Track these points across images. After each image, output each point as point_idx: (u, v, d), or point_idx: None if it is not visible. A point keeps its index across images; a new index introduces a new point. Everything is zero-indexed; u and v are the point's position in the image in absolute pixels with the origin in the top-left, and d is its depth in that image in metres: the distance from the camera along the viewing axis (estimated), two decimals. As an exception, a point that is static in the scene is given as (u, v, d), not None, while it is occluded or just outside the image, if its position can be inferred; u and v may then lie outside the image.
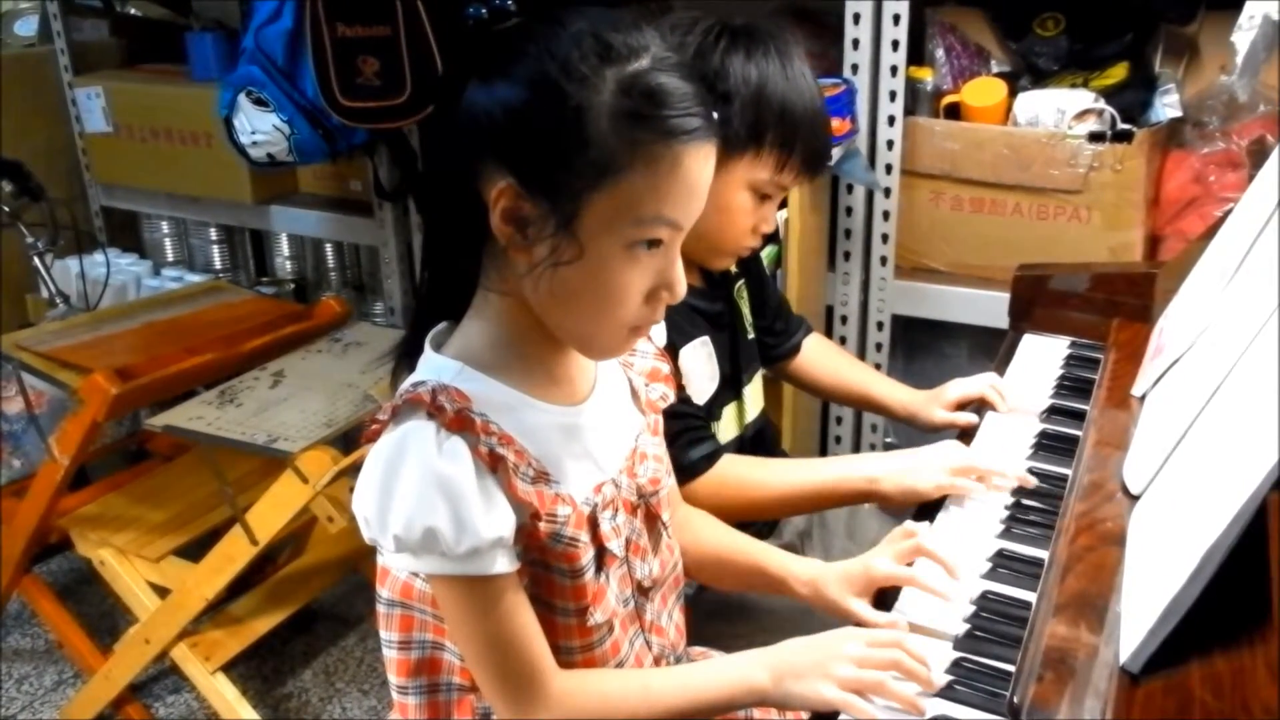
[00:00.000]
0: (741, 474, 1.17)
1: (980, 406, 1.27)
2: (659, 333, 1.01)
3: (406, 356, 0.88)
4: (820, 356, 1.44)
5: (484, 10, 0.78)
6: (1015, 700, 0.75)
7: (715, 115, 0.79)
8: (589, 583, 0.84)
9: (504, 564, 0.78)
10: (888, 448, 1.90)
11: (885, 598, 0.95)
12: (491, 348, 0.84)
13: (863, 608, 0.94)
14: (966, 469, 1.10)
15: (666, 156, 0.76)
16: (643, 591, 0.92)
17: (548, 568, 0.83)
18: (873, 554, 0.98)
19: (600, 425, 0.88)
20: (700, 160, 0.78)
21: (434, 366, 0.83)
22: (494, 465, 0.78)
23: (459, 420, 0.77)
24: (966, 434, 1.23)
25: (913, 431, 1.39)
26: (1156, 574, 0.71)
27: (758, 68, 1.10)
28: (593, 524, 0.84)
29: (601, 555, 0.85)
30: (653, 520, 0.93)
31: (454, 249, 0.84)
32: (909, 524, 1.01)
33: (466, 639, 0.81)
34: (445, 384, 0.79)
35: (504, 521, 0.78)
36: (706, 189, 0.80)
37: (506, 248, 0.79)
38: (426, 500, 0.75)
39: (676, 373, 1.09)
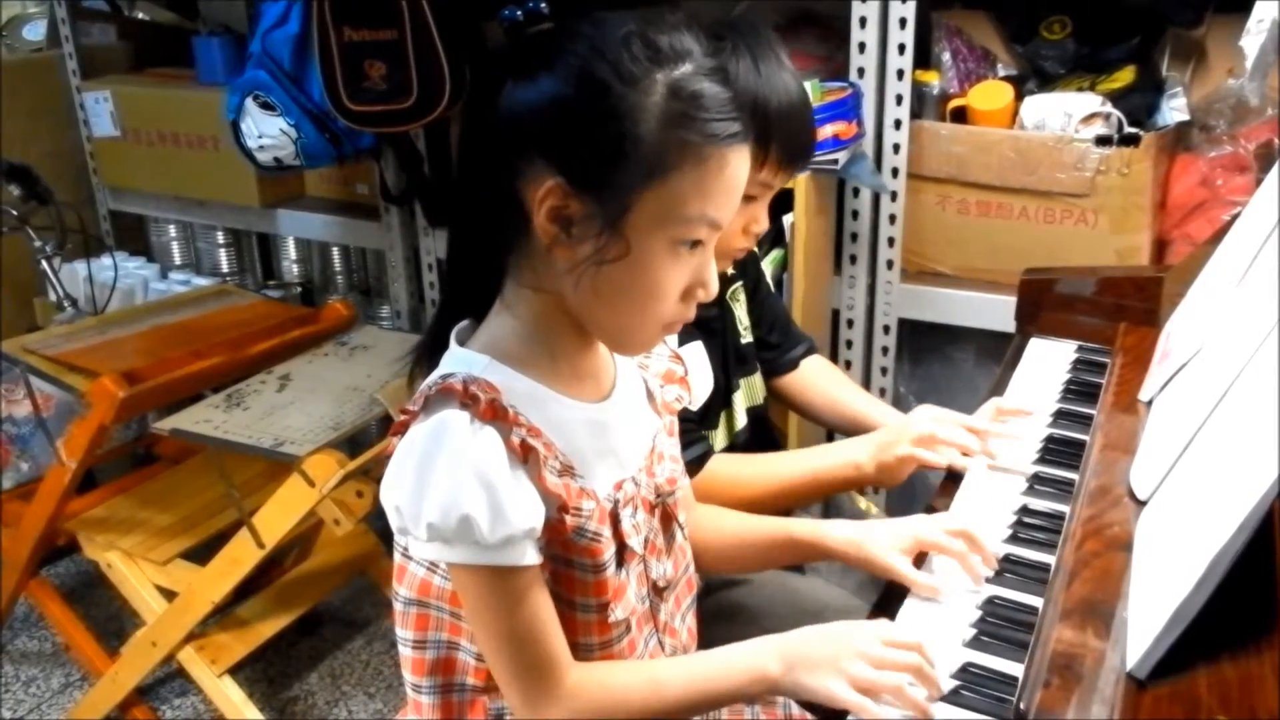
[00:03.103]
0: (733, 473, 1.17)
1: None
2: (671, 336, 1.02)
3: (428, 354, 0.88)
4: (817, 378, 1.42)
5: (519, 12, 0.78)
6: (1021, 706, 0.75)
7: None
8: (610, 578, 0.84)
9: (531, 556, 0.79)
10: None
11: (890, 604, 0.95)
12: (519, 343, 0.84)
13: (906, 566, 0.96)
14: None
15: (714, 157, 0.77)
16: (657, 592, 0.92)
17: (569, 563, 0.83)
18: (919, 519, 0.99)
19: (622, 423, 0.89)
20: (741, 162, 0.80)
21: (461, 359, 0.83)
22: (525, 456, 0.78)
23: (492, 410, 0.77)
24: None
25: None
26: (1163, 580, 0.71)
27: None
28: (614, 520, 0.85)
29: (622, 551, 0.86)
30: (668, 521, 0.94)
31: (484, 248, 0.84)
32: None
33: (487, 630, 0.81)
34: (475, 375, 0.80)
35: (535, 512, 0.78)
36: (743, 190, 0.82)
37: (550, 246, 0.79)
38: (463, 487, 0.75)
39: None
